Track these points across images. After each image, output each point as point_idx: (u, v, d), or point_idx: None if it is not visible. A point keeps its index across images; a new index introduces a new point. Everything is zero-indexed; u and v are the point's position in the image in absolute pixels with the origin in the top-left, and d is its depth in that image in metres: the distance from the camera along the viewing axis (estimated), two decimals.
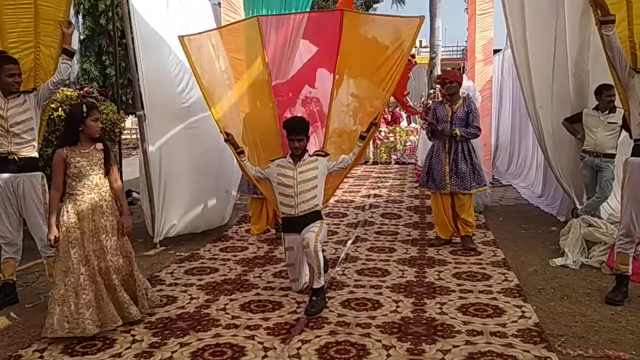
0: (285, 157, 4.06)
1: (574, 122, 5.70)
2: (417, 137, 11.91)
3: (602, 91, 5.26)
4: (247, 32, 4.70)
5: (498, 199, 7.91)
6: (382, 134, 12.86)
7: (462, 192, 5.14)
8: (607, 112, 5.33)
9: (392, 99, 6.33)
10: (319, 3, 24.04)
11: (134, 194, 7.65)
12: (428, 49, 19.87)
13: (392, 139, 12.98)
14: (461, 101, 5.19)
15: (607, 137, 5.35)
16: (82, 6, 19.99)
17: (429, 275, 4.43)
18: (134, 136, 18.37)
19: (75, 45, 4.64)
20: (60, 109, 5.55)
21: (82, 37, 20.68)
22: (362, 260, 4.90)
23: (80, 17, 20.68)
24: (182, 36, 4.32)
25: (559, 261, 4.69)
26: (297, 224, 3.89)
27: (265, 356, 3.03)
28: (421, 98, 15.05)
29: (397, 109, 14.27)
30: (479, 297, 3.87)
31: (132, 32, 5.19)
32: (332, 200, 5.68)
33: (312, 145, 4.35)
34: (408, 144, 12.85)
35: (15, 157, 3.80)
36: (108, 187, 3.46)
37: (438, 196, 5.29)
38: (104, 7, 19.67)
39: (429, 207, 6.52)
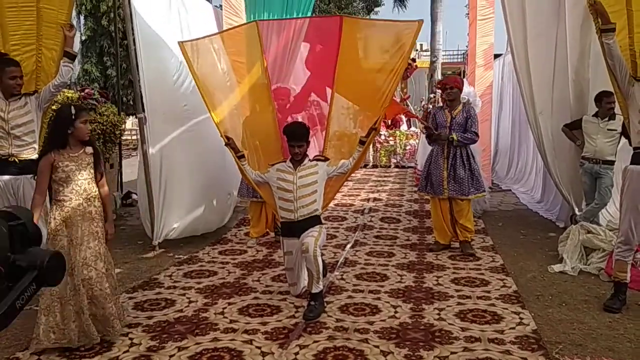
0: (285, 161, 4.07)
1: (573, 129, 5.70)
2: (417, 141, 11.92)
3: (602, 98, 5.27)
4: (247, 36, 4.73)
5: (497, 204, 7.91)
6: (382, 137, 12.85)
7: (460, 198, 5.15)
8: (606, 119, 5.33)
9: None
10: (320, 7, 24.08)
11: (134, 196, 7.64)
12: (429, 53, 19.88)
13: (391, 142, 12.97)
14: (461, 107, 5.20)
15: (607, 144, 5.35)
16: (84, 7, 20.04)
17: (428, 280, 4.43)
18: (134, 137, 18.36)
19: (77, 46, 4.65)
20: None
21: (83, 37, 20.73)
22: (361, 264, 4.91)
23: (82, 17, 20.73)
24: (182, 42, 4.33)
25: (557, 267, 4.69)
26: (296, 228, 3.90)
27: None
28: (421, 102, 15.04)
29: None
30: (477, 303, 3.87)
31: (133, 34, 5.20)
32: (331, 204, 5.67)
33: (312, 149, 4.36)
34: (408, 147, 12.84)
35: (16, 159, 3.82)
36: (97, 193, 3.31)
37: (436, 201, 5.30)
38: (106, 8, 19.73)
39: (428, 211, 6.53)
